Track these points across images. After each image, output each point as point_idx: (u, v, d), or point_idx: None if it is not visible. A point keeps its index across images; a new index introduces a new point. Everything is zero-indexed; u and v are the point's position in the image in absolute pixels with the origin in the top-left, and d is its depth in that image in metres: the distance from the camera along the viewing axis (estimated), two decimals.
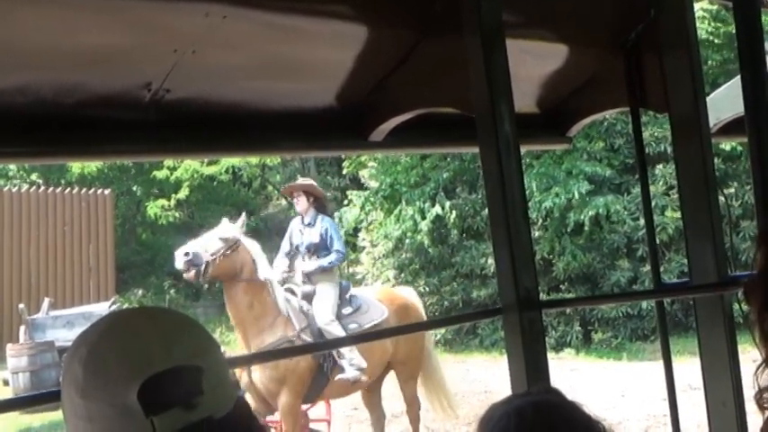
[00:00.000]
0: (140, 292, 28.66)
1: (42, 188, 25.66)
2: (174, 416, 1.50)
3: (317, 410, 13.37)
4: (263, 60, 3.06)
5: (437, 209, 21.68)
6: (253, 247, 11.39)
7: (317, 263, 11.63)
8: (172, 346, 1.57)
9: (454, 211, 21.40)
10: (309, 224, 12.05)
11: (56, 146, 2.82)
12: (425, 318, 13.07)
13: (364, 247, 24.44)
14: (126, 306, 23.50)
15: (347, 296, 11.84)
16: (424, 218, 21.82)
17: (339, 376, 11.01)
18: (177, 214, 31.51)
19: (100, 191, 26.40)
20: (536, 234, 20.84)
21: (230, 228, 11.44)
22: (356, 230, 24.35)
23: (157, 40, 2.75)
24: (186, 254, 10.84)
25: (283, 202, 34.30)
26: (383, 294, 12.42)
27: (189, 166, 28.87)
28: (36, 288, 22.88)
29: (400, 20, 3.17)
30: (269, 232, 34.65)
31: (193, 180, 30.37)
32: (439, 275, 22.42)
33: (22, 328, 18.15)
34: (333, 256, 11.76)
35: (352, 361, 11.04)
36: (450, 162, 21.59)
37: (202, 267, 10.83)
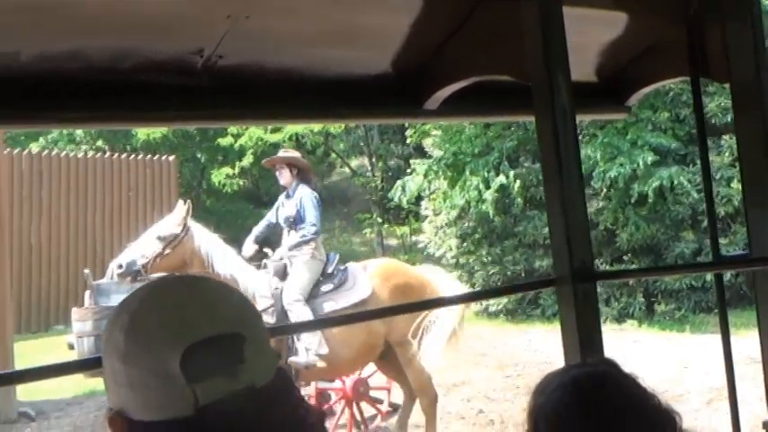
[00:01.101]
0: None
1: (108, 154, 25.83)
2: (215, 384, 1.50)
3: (377, 378, 13.39)
4: (317, 27, 3.03)
5: (501, 178, 21.40)
6: (203, 238, 11.11)
7: (293, 238, 11.33)
8: (214, 314, 1.57)
9: (518, 181, 21.10)
10: (289, 196, 11.79)
11: (110, 111, 2.82)
12: None
13: (427, 216, 24.35)
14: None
15: (331, 270, 11.39)
16: (488, 187, 21.53)
17: (290, 359, 10.53)
18: (241, 182, 31.53)
19: (164, 157, 26.52)
20: (600, 204, 20.77)
21: (173, 219, 11.13)
22: (419, 199, 24.22)
23: (210, 6, 2.73)
24: (119, 266, 10.69)
25: (346, 169, 34.27)
26: (384, 270, 11.72)
27: (253, 134, 28.90)
28: (101, 253, 23.06)
29: None
30: (332, 200, 34.73)
31: (257, 147, 30.33)
32: (501, 245, 22.24)
33: (87, 293, 18.29)
34: (304, 230, 11.39)
35: (309, 345, 10.63)
36: (514, 131, 21.41)
37: (140, 270, 10.60)
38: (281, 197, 11.97)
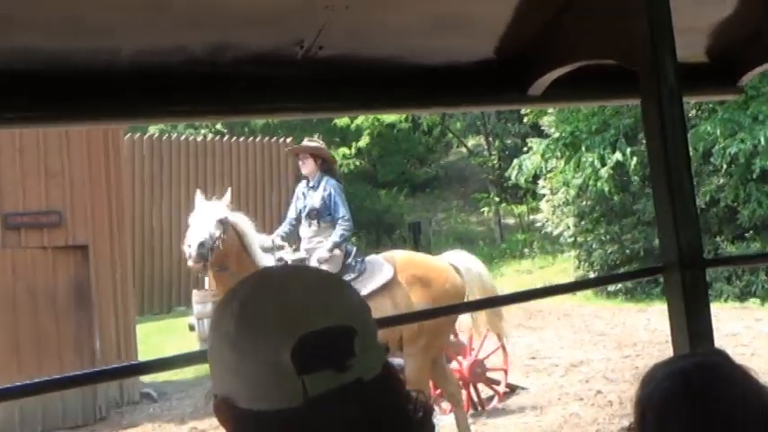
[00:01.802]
0: None
1: (227, 137, 26.16)
2: (325, 376, 1.48)
3: (494, 359, 13.37)
4: (417, 16, 3.01)
5: (618, 155, 21.27)
6: (245, 227, 10.95)
7: (330, 242, 11.06)
8: (328, 307, 1.55)
9: (635, 158, 20.88)
10: (313, 187, 11.49)
11: (212, 105, 2.83)
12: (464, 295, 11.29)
13: (544, 195, 24.31)
14: None
15: (351, 261, 11.25)
16: (604, 164, 21.43)
17: None
18: (358, 162, 31.73)
19: (281, 140, 26.75)
20: (720, 181, 20.52)
21: (217, 206, 10.81)
22: (536, 178, 24.18)
23: None
24: (201, 245, 10.35)
25: (463, 149, 34.23)
26: (401, 260, 11.38)
27: (369, 115, 29.02)
28: None
29: None
30: (449, 180, 34.76)
31: (374, 128, 30.54)
32: (620, 223, 22.16)
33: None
34: (339, 230, 11.18)
35: None
36: (631, 108, 21.18)
37: (209, 252, 10.37)
38: (301, 188, 11.75)
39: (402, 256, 11.69)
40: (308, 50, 2.75)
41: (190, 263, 10.56)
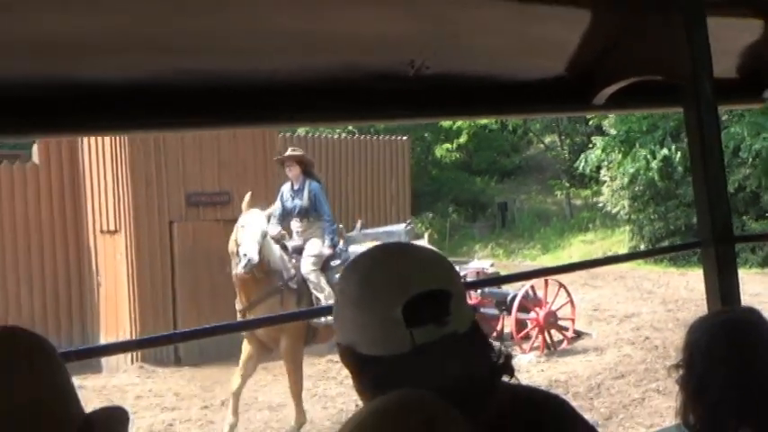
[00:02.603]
0: (430, 215, 29.05)
1: (356, 136, 26.31)
2: (428, 329, 1.52)
3: (564, 310, 13.28)
4: (504, 40, 2.98)
5: (664, 150, 21.53)
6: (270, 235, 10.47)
7: (327, 240, 10.82)
8: (429, 274, 1.58)
9: (679, 152, 21.00)
10: (299, 190, 10.99)
11: (349, 112, 2.88)
12: None
13: (605, 182, 24.22)
14: (419, 225, 23.96)
15: (337, 250, 10.99)
16: (653, 158, 21.69)
17: (313, 321, 10.03)
18: (457, 155, 31.77)
19: (400, 137, 26.82)
20: (746, 172, 20.70)
21: (261, 218, 10.30)
22: (598, 168, 24.32)
23: (421, 26, 2.72)
24: (250, 260, 9.94)
25: (541, 145, 34.02)
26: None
27: None
28: (351, 212, 23.49)
29: (616, 2, 3.04)
30: (529, 169, 34.58)
31: (470, 128, 30.56)
32: (665, 204, 22.20)
33: (341, 242, 18.69)
34: (329, 230, 10.98)
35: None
36: (675, 113, 21.04)
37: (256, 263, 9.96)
38: (286, 190, 11.18)
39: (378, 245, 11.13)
40: (418, 69, 2.74)
41: (240, 270, 10.07)
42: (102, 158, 14.47)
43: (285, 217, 11.09)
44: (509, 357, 1.62)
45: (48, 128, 2.17)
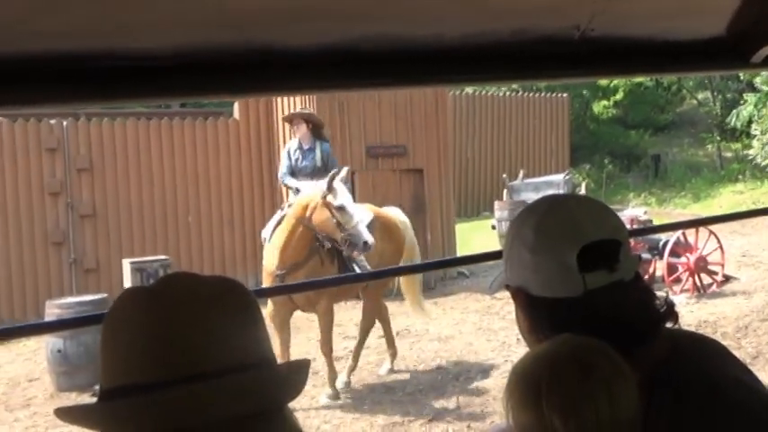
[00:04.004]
0: (587, 166, 28.53)
1: (520, 93, 25.98)
2: (599, 275, 1.49)
3: (714, 256, 12.81)
4: (667, 2, 2.83)
5: None
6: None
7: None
8: (602, 224, 1.56)
9: None
10: (310, 149, 9.95)
11: (513, 71, 2.78)
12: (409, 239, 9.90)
13: (755, 135, 23.24)
14: (576, 176, 23.53)
15: None
16: None
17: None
18: (614, 111, 31.15)
19: (559, 95, 26.38)
20: None
21: (346, 192, 8.86)
22: (749, 122, 23.44)
23: None
24: (371, 245, 8.62)
25: (694, 101, 32.77)
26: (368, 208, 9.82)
27: None
28: (514, 163, 23.32)
29: None
30: (682, 123, 33.42)
31: (627, 86, 29.88)
32: None
33: (505, 191, 18.60)
34: (340, 178, 9.12)
35: (360, 263, 8.98)
36: None
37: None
38: (293, 147, 10.04)
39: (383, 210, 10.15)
40: (583, 32, 2.65)
41: (359, 252, 8.83)
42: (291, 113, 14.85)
43: (293, 175, 9.95)
44: (672, 305, 1.57)
45: (245, 89, 2.23)
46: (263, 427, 1.02)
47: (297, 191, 9.63)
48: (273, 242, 8.94)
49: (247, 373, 1.01)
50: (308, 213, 8.72)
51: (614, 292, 1.50)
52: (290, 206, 9.25)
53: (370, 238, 8.61)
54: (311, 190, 8.98)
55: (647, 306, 1.55)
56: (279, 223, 9.13)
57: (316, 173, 9.76)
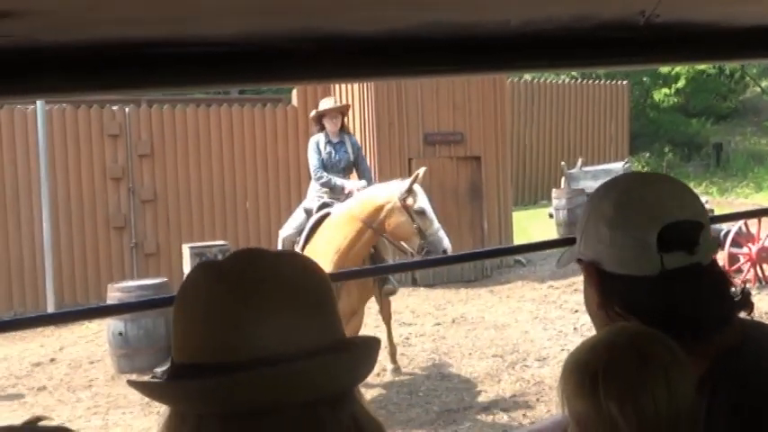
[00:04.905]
0: (647, 154, 28.17)
1: (579, 80, 25.73)
2: (677, 256, 1.46)
3: None
4: None
5: None
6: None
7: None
8: (685, 205, 1.53)
9: None
10: (340, 142, 9.23)
11: (570, 59, 2.75)
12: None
13: None
14: (636, 164, 23.25)
15: None
16: None
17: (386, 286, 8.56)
18: (675, 99, 30.63)
19: (620, 82, 26.05)
20: None
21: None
22: None
23: None
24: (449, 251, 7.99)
25: (757, 88, 32.07)
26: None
27: None
28: (573, 151, 23.17)
29: None
30: (745, 111, 32.75)
31: (689, 73, 29.34)
32: None
33: (563, 179, 18.44)
34: (367, 177, 9.05)
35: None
36: None
37: None
38: (322, 142, 9.26)
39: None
40: (648, 18, 2.61)
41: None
42: (350, 102, 14.87)
43: (325, 170, 9.14)
44: (748, 294, 1.54)
45: (304, 76, 2.23)
46: (332, 413, 1.01)
47: (340, 189, 8.96)
48: (329, 243, 8.09)
49: (319, 358, 0.99)
50: (381, 215, 7.96)
51: (691, 274, 1.47)
52: (324, 205, 8.72)
53: (449, 245, 7.96)
54: (378, 191, 8.32)
55: (723, 292, 1.52)
56: (318, 223, 8.49)
57: (348, 168, 9.30)
